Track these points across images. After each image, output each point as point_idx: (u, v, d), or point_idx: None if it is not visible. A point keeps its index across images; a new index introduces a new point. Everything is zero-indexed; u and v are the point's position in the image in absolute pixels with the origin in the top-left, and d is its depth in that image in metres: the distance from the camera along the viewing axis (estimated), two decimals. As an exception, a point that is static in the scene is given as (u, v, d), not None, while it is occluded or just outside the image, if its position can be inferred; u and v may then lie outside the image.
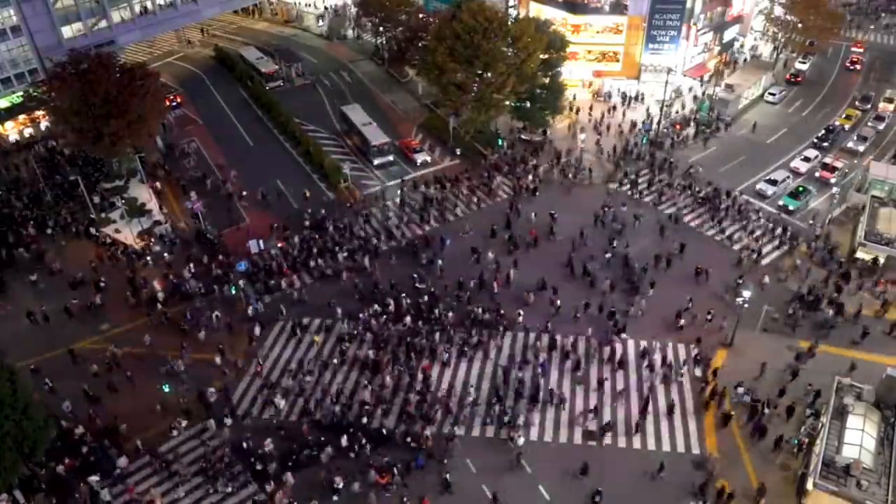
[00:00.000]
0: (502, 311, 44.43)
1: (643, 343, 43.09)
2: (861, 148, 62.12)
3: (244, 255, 49.11)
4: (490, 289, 46.57)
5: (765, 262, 49.37)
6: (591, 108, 67.62)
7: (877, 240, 48.47)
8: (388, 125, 65.47)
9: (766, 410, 38.18)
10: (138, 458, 36.73)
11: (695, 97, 69.42)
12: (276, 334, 44.49)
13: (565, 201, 55.45)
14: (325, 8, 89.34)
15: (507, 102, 58.71)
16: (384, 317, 44.57)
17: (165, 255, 50.20)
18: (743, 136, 64.85)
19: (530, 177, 57.79)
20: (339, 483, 34.48)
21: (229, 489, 35.06)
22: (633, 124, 65.19)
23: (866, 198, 52.33)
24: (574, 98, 68.81)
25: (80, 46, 56.50)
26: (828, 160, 59.43)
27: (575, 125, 65.38)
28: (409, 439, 36.95)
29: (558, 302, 45.15)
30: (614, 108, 68.24)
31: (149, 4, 69.56)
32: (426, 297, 45.73)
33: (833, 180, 56.79)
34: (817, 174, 58.64)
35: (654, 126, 63.10)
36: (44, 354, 42.22)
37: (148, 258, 49.81)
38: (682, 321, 43.94)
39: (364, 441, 36.68)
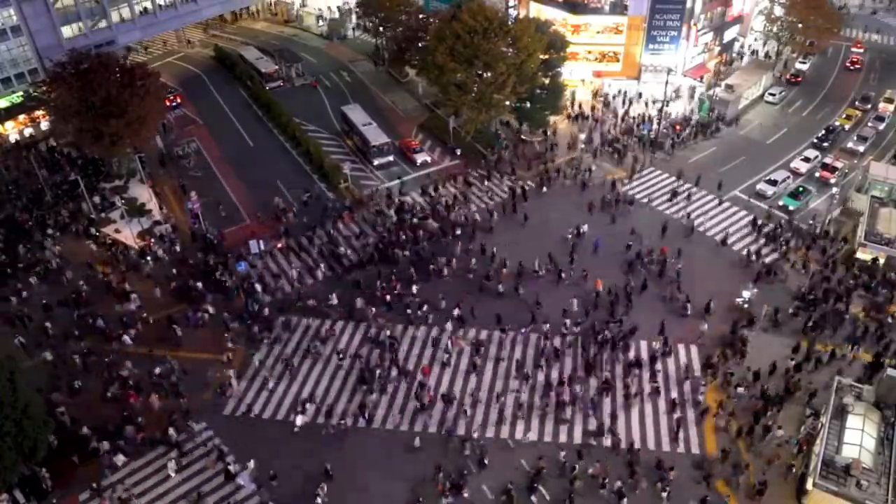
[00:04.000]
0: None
1: (643, 343, 43.12)
2: (861, 148, 62.04)
3: (244, 255, 49.22)
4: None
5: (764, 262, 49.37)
6: (592, 108, 67.58)
7: (877, 240, 48.49)
8: (388, 125, 65.38)
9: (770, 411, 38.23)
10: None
11: (700, 100, 69.01)
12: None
13: (567, 203, 55.52)
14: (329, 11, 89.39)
15: (508, 102, 58.68)
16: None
17: (165, 255, 50.14)
18: (743, 136, 64.76)
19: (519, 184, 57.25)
20: None
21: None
22: (624, 120, 65.19)
23: (864, 199, 52.36)
24: (576, 98, 68.89)
25: (79, 46, 56.46)
26: (828, 160, 59.41)
27: (574, 126, 65.30)
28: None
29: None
30: (611, 107, 68.06)
31: (148, 4, 69.62)
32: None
33: (833, 180, 56.77)
34: (817, 174, 58.62)
35: (654, 126, 63.07)
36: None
37: (148, 258, 49.78)
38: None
39: None
